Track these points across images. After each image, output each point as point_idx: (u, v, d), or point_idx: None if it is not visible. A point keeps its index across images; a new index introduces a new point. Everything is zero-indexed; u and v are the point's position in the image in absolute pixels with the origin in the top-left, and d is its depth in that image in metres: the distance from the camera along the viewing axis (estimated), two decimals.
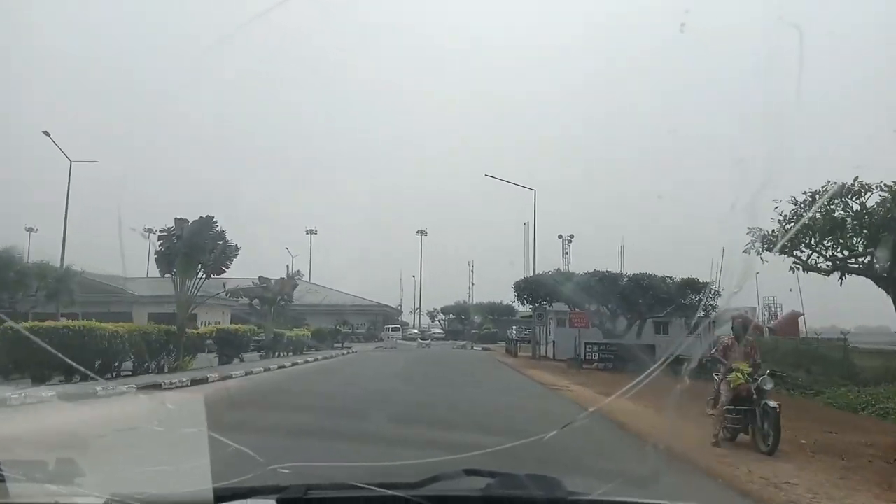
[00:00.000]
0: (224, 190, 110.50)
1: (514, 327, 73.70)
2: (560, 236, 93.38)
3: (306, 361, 30.80)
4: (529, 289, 31.78)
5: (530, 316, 72.84)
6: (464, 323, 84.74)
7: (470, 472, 2.20)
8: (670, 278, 28.08)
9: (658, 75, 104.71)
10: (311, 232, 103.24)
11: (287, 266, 66.21)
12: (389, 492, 2.05)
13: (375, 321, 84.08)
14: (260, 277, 34.45)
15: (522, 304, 34.10)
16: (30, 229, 75.02)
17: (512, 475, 2.21)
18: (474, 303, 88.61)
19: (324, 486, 2.21)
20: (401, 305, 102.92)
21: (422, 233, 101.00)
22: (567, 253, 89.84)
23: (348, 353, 42.77)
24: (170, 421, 6.42)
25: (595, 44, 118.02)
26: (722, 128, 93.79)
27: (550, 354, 34.80)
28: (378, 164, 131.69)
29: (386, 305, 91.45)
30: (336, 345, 48.21)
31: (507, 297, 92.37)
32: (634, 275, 28.41)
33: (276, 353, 33.85)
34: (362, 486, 2.07)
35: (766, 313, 62.04)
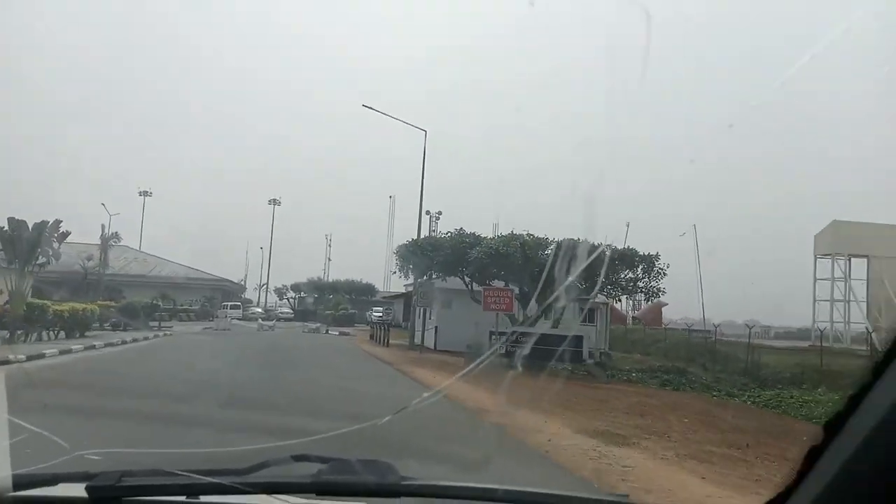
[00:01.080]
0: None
1: (375, 309, 65.40)
2: (428, 212, 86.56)
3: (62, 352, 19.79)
4: (421, 254, 22.92)
5: (395, 296, 65.66)
6: (317, 302, 74.91)
7: (299, 458, 2.07)
8: (610, 246, 20.58)
9: (506, 52, 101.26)
10: (144, 194, 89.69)
11: (102, 226, 53.19)
12: (212, 479, 1.89)
13: (213, 297, 72.32)
14: (10, 219, 22.81)
15: (406, 275, 25.52)
16: None
17: (343, 460, 2.04)
18: (330, 280, 78.89)
19: (139, 473, 1.99)
20: (245, 281, 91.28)
21: (274, 202, 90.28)
22: (434, 231, 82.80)
23: (161, 335, 32.05)
24: None
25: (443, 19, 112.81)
26: (568, 107, 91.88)
27: (430, 344, 26.77)
28: (228, 122, 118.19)
29: (226, 280, 79.65)
30: (152, 323, 37.35)
31: (368, 275, 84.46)
32: (564, 241, 20.65)
33: (32, 335, 22.93)
34: (183, 473, 1.90)
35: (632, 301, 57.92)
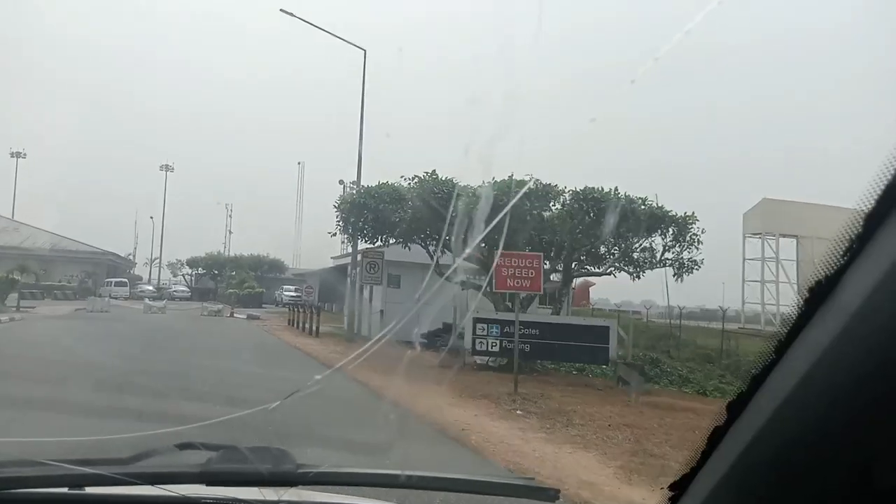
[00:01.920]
0: None
1: (286, 288, 58.63)
2: (341, 181, 79.95)
3: None
4: (374, 208, 16.32)
5: (306, 274, 59.05)
6: (217, 280, 67.16)
7: (184, 447, 1.89)
8: (643, 200, 15.25)
9: None
10: (17, 155, 78.78)
11: None
12: (90, 469, 1.75)
13: (95, 273, 63.37)
14: None
15: (350, 237, 18.96)
16: None
17: (233, 448, 1.87)
18: (232, 255, 71.05)
19: (10, 464, 1.88)
20: (134, 255, 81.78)
21: (166, 168, 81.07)
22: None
23: (9, 319, 24.49)
24: None
25: None
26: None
27: (371, 332, 21.08)
28: (111, 72, 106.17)
29: (111, 253, 70.51)
30: (8, 303, 29.76)
31: (276, 252, 76.83)
32: (583, 190, 15.06)
33: None
34: (57, 463, 1.75)
35: None
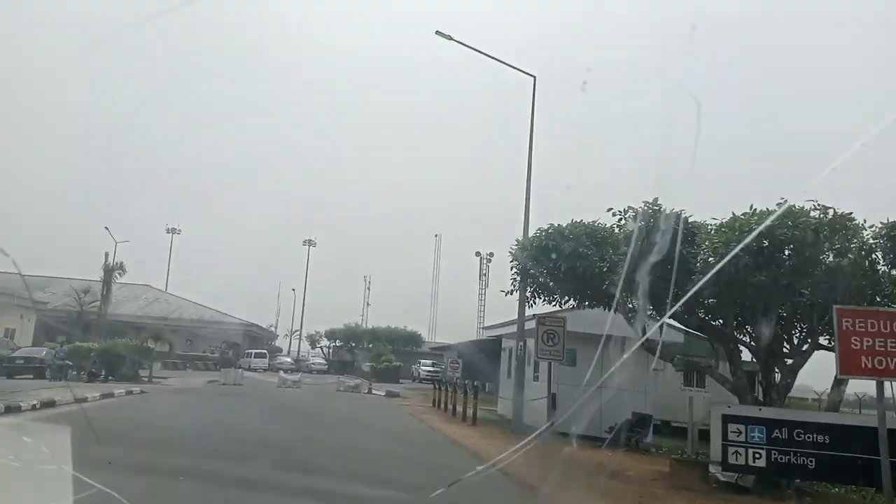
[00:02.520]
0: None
1: (424, 362, 55.31)
2: (478, 253, 77.05)
3: None
4: (557, 252, 11.39)
5: (445, 348, 55.59)
6: (354, 352, 64.99)
7: None
8: None
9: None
10: (172, 231, 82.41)
11: (105, 255, 44.64)
12: None
13: (237, 344, 63.18)
14: None
15: (532, 294, 13.88)
16: None
17: None
18: (369, 327, 68.96)
19: None
20: (275, 327, 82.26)
21: (309, 242, 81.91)
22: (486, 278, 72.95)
23: (135, 392, 22.07)
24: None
25: None
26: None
27: (536, 420, 16.27)
28: (260, 159, 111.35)
29: (254, 324, 70.67)
30: (143, 372, 28.17)
31: (412, 323, 74.13)
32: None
33: None
34: None
35: None
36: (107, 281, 43.88)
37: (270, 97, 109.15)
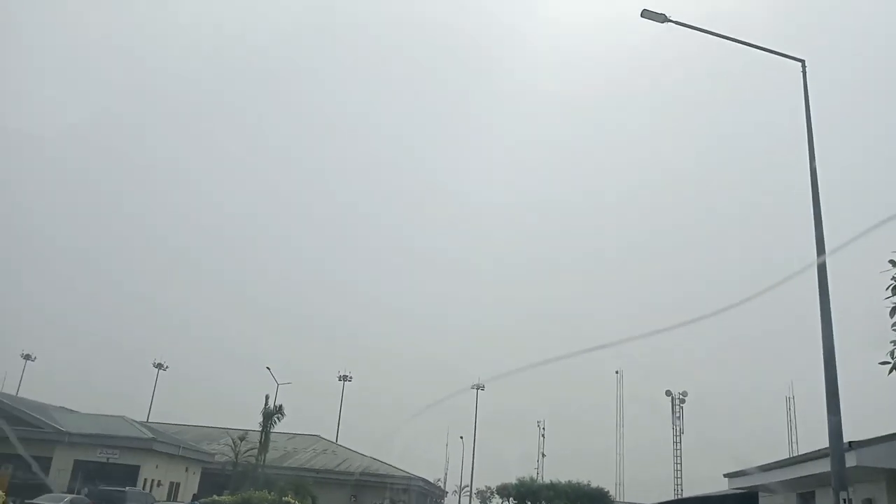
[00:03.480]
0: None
1: None
2: (668, 392, 66.69)
3: None
4: None
5: None
6: None
7: None
8: None
9: None
10: (343, 379, 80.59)
11: (266, 398, 41.85)
12: None
13: (403, 500, 57.10)
14: None
15: None
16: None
17: None
18: (546, 481, 60.28)
19: None
20: (443, 481, 75.43)
21: (478, 387, 76.03)
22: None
23: None
24: None
25: None
26: None
27: None
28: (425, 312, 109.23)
29: (421, 479, 64.63)
30: None
31: (595, 477, 63.85)
32: None
33: None
34: None
35: None
36: (265, 427, 40.57)
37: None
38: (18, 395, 47.05)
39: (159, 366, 74.37)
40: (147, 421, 57.86)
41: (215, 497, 25.11)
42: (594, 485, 56.22)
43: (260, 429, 40.58)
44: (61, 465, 37.43)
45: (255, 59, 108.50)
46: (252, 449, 38.61)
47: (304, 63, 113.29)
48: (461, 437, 72.38)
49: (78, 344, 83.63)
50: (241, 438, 39.86)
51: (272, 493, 25.51)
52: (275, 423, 41.23)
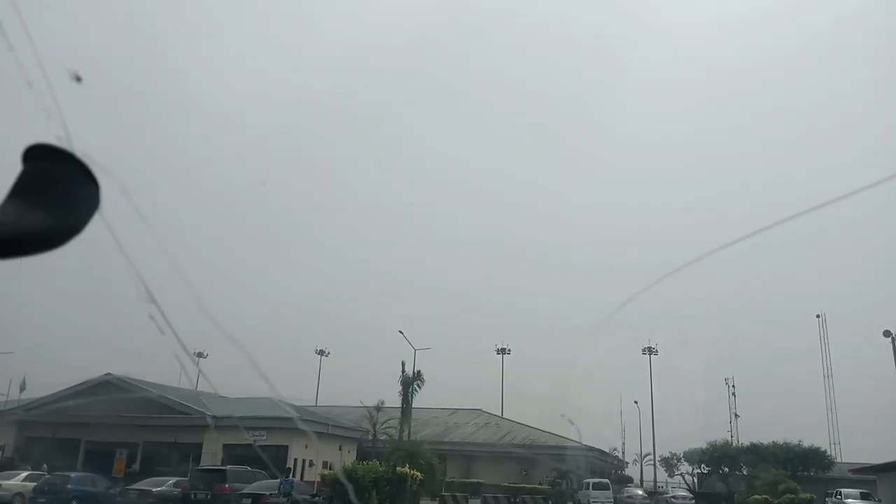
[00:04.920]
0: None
1: (846, 492, 36.39)
2: (887, 332, 54.22)
3: None
4: None
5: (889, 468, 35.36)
6: (728, 480, 47.86)
7: None
8: None
9: None
10: (502, 352, 75.61)
11: (402, 364, 37.09)
12: None
13: (572, 472, 50.60)
14: None
15: None
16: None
17: None
18: (745, 443, 51.14)
19: None
20: (622, 451, 67.76)
21: (650, 350, 68.12)
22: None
23: None
24: None
25: None
26: None
27: None
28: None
29: (595, 449, 57.77)
30: None
31: (807, 436, 53.22)
32: None
33: None
34: None
35: None
36: (405, 395, 35.96)
37: None
38: (177, 387, 46.99)
39: (321, 352, 75.44)
40: (315, 404, 57.19)
41: (321, 470, 20.98)
42: (807, 444, 46.54)
43: (400, 400, 36.76)
44: (211, 450, 36.87)
45: None
46: (388, 422, 34.38)
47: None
48: (636, 402, 64.54)
49: (245, 338, 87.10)
50: (378, 409, 35.62)
51: (383, 463, 20.54)
52: (415, 390, 36.57)
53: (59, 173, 0.83)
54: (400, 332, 42.05)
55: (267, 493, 18.45)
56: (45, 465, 32.31)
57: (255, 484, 19.94)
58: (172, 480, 22.30)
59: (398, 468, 20.23)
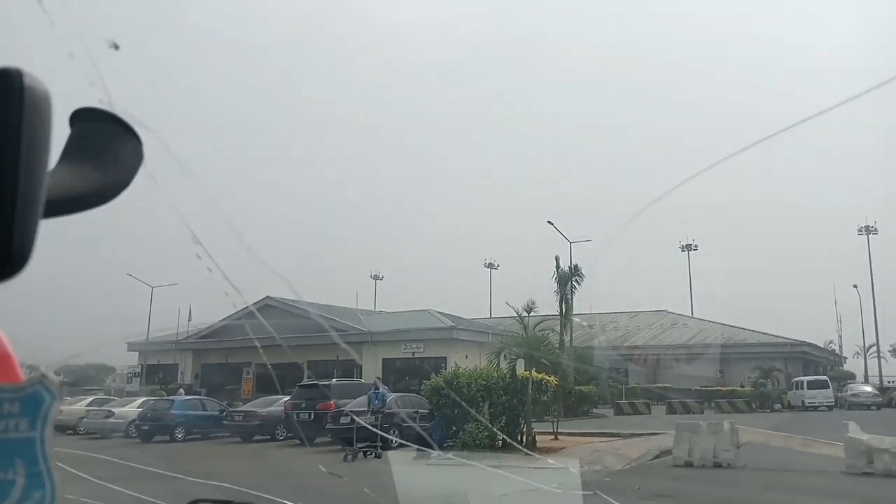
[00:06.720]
0: None
1: None
2: None
3: None
4: None
5: None
6: None
7: None
8: None
9: None
10: (688, 248, 69.47)
11: (556, 259, 32.60)
12: None
13: (778, 370, 43.92)
14: None
15: None
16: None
17: None
18: None
19: None
20: (837, 344, 59.36)
21: (867, 230, 58.40)
22: None
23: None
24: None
25: None
26: None
27: None
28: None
29: (805, 343, 50.74)
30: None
31: None
32: None
33: None
34: None
35: None
36: (562, 294, 31.63)
37: None
38: (347, 307, 46.97)
39: (490, 265, 75.54)
40: (490, 316, 55.97)
41: (433, 375, 17.67)
42: None
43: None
44: (370, 366, 35.89)
45: None
46: (541, 325, 30.57)
47: None
48: (855, 286, 55.67)
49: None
50: (528, 310, 31.82)
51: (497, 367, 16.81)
52: (575, 287, 32.11)
53: (104, 132, 0.90)
54: (549, 222, 37.75)
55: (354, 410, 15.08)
56: (198, 389, 32.71)
57: (357, 400, 16.73)
58: (286, 399, 20.18)
59: (519, 373, 16.19)
